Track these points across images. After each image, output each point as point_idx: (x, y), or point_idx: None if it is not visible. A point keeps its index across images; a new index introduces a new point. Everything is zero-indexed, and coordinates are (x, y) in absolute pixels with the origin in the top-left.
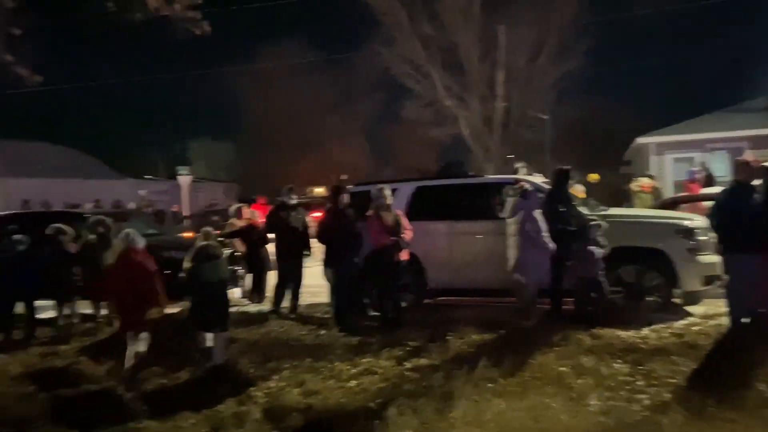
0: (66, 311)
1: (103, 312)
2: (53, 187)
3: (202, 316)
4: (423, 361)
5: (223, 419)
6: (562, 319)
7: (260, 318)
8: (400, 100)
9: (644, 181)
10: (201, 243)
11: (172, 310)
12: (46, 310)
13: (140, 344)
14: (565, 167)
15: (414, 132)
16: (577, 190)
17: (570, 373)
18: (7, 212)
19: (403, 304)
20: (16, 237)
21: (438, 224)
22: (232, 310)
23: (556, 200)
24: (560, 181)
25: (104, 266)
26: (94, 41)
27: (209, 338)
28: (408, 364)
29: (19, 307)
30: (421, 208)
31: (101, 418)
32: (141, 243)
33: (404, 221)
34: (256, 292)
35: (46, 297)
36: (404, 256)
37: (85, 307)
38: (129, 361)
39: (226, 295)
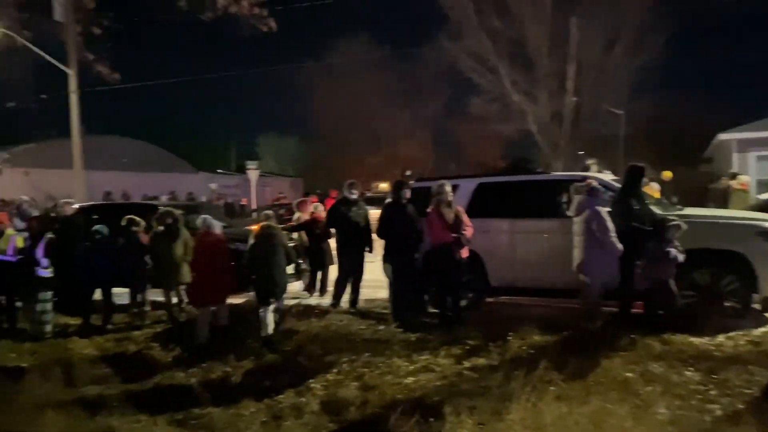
0: (138, 298)
1: (174, 300)
2: (133, 179)
3: (262, 289)
4: (482, 361)
5: (282, 409)
6: (630, 323)
7: (320, 311)
8: (467, 96)
9: (744, 179)
10: (262, 222)
11: (236, 300)
12: (122, 297)
13: (221, 320)
14: (639, 164)
15: (480, 127)
16: (652, 189)
17: (637, 380)
18: (89, 203)
19: (463, 302)
20: (96, 227)
21: (501, 222)
22: (293, 303)
23: (629, 197)
24: (633, 177)
25: (173, 256)
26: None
27: (269, 314)
28: (466, 363)
29: (98, 294)
30: (483, 205)
31: (168, 403)
32: (217, 228)
33: (465, 218)
34: (317, 286)
35: (121, 285)
36: (464, 253)
37: (156, 295)
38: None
39: (283, 270)
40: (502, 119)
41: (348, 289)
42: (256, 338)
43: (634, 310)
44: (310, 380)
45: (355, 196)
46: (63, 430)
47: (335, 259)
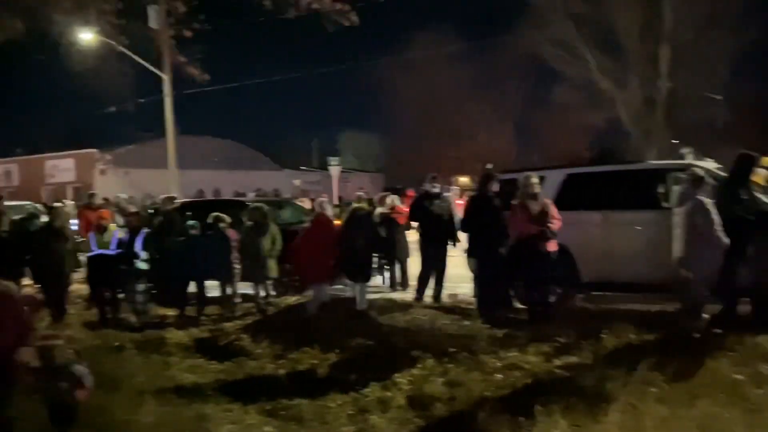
0: (228, 291)
1: (262, 293)
2: (222, 177)
3: (349, 268)
4: (574, 359)
5: (368, 403)
6: (737, 321)
7: (404, 306)
8: (550, 85)
9: None
10: (353, 206)
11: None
12: (215, 290)
13: (322, 295)
14: (750, 153)
15: (565, 117)
16: (760, 175)
17: (746, 382)
18: (183, 200)
19: (552, 298)
20: (189, 222)
21: (592, 214)
22: (376, 296)
23: (737, 187)
24: (743, 167)
25: (261, 250)
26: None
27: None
28: (557, 361)
29: (192, 286)
30: (572, 196)
31: (258, 392)
32: (329, 210)
33: (553, 210)
34: (400, 280)
35: (213, 278)
36: (552, 246)
37: (246, 288)
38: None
39: (369, 252)
40: (588, 108)
41: (431, 284)
42: (341, 331)
43: (740, 307)
44: (395, 374)
45: (437, 190)
46: (162, 416)
47: (412, 252)
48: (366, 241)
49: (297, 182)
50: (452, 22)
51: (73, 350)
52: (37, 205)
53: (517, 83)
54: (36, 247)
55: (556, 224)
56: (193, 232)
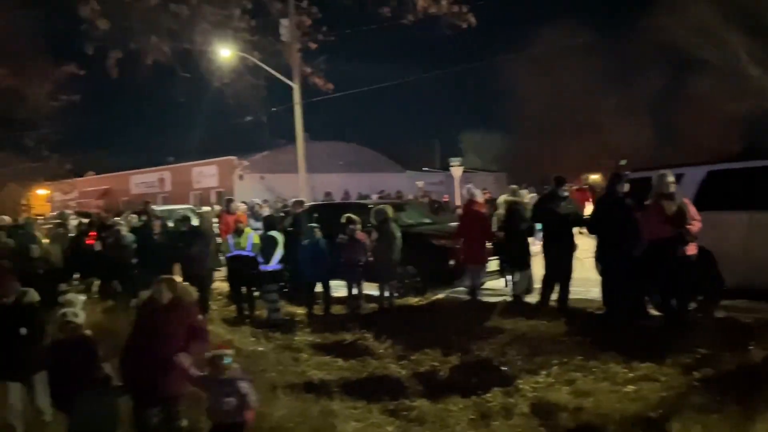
0: (354, 291)
1: (386, 294)
2: (348, 180)
3: (508, 257)
4: (715, 372)
5: (490, 408)
6: None
7: (527, 310)
8: (688, 75)
9: None
10: (508, 198)
11: (440, 295)
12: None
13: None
14: None
15: (705, 109)
16: None
17: None
18: (311, 203)
19: (692, 305)
20: (311, 225)
21: (737, 215)
22: (499, 300)
23: None
24: None
25: (385, 251)
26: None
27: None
28: (697, 374)
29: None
30: (714, 195)
31: (381, 392)
32: (479, 197)
33: (691, 210)
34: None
35: (339, 278)
36: (691, 250)
37: (371, 289)
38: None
39: (526, 242)
40: (734, 98)
41: (557, 288)
42: (462, 334)
43: None
44: (519, 381)
45: (565, 193)
46: (292, 410)
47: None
48: (521, 232)
49: (419, 183)
50: (577, 12)
51: (239, 365)
52: (196, 208)
53: (650, 74)
54: (184, 248)
55: (695, 226)
56: (317, 234)
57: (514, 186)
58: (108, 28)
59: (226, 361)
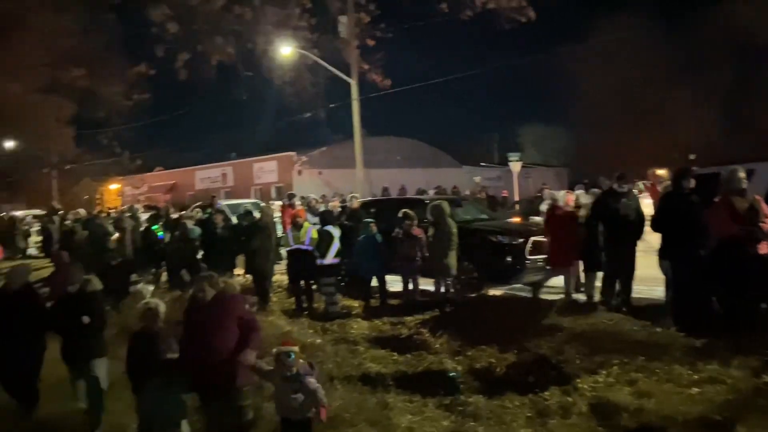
0: (410, 286)
1: (442, 289)
2: (404, 175)
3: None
4: None
5: (548, 407)
6: None
7: (587, 308)
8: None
9: None
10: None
11: (497, 292)
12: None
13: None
14: None
15: None
16: None
17: None
18: (367, 198)
19: (764, 306)
20: (367, 220)
21: None
22: (556, 298)
23: None
24: None
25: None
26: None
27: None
28: (765, 377)
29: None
30: None
31: (436, 386)
32: (561, 200)
33: (764, 208)
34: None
35: (395, 273)
36: (764, 249)
37: (426, 284)
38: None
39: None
40: None
41: (619, 287)
42: (519, 331)
43: None
44: (577, 380)
45: (625, 189)
46: (349, 401)
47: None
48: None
49: (477, 179)
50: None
51: (308, 361)
52: (261, 203)
53: (722, 64)
54: (246, 241)
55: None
56: (373, 229)
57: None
58: (177, 30)
59: (291, 357)
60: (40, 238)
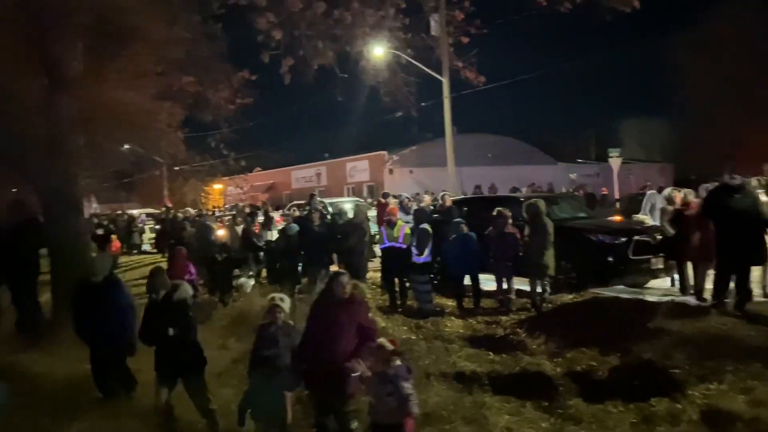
0: (504, 286)
1: (538, 290)
2: (497, 173)
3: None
4: None
5: (654, 413)
6: None
7: (697, 311)
8: None
9: None
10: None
11: (597, 293)
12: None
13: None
14: None
15: None
16: None
17: None
18: (459, 197)
19: None
20: (457, 220)
21: None
22: (665, 299)
23: None
24: None
25: (537, 245)
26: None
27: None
28: None
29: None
30: None
31: (534, 388)
32: (677, 197)
33: None
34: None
35: (488, 272)
36: None
37: (522, 284)
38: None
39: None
40: None
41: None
42: (623, 334)
43: None
44: (686, 386)
45: (737, 182)
46: (445, 398)
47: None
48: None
49: (573, 176)
50: None
51: (406, 364)
52: (360, 201)
53: None
54: (342, 239)
55: None
56: (463, 229)
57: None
58: (281, 37)
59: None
60: (153, 235)
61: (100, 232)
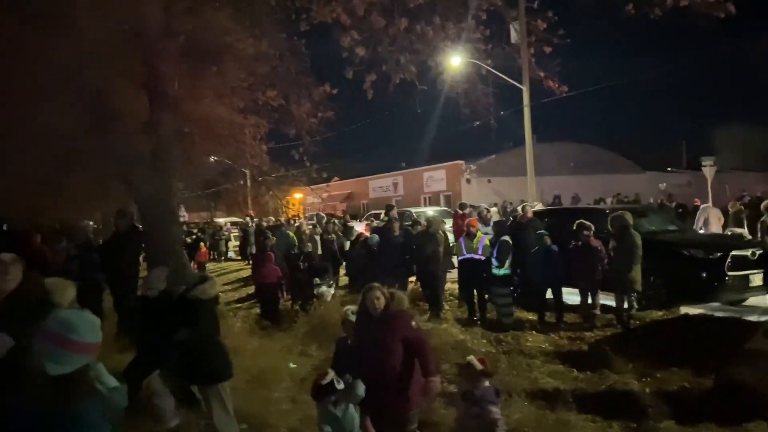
0: (589, 301)
1: (625, 305)
2: (578, 182)
3: None
4: None
5: None
6: None
7: None
8: None
9: None
10: None
11: (689, 310)
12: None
13: None
14: None
15: None
16: None
17: None
18: (541, 208)
19: None
20: (540, 232)
21: None
22: (765, 318)
23: None
24: None
25: (622, 260)
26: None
27: None
28: None
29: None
30: None
31: (621, 408)
32: None
33: None
34: None
35: (572, 285)
36: None
37: (607, 299)
38: None
39: None
40: None
41: None
42: (717, 354)
43: None
44: None
45: None
46: (527, 415)
47: None
48: None
49: (662, 185)
50: None
51: (494, 386)
52: (450, 210)
53: None
54: (419, 249)
55: None
56: (547, 241)
57: None
58: (365, 54)
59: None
60: (237, 243)
61: (189, 240)
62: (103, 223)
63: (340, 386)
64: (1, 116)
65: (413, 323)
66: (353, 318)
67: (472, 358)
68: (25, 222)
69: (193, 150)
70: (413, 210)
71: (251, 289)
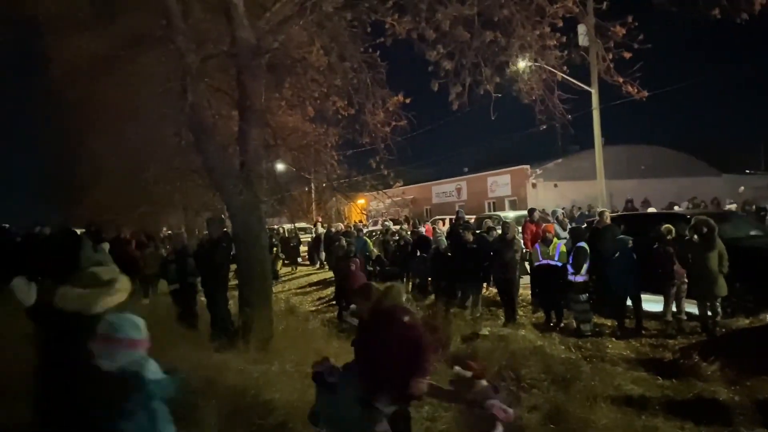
0: (672, 308)
1: (709, 313)
2: (650, 186)
3: None
4: None
5: None
6: None
7: None
8: None
9: None
10: None
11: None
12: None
13: None
14: None
15: None
16: None
17: None
18: (618, 213)
19: None
20: (623, 237)
21: None
22: None
23: None
24: None
25: (708, 267)
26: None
27: None
28: None
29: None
30: None
31: (709, 416)
32: None
33: None
34: None
35: (652, 292)
36: None
37: (690, 306)
38: None
39: None
40: None
41: None
42: None
43: None
44: None
45: None
46: (614, 421)
47: None
48: None
49: (741, 189)
50: None
51: (491, 383)
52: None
53: None
54: (494, 255)
55: None
56: (629, 245)
57: None
58: (451, 67)
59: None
60: (305, 248)
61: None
62: (186, 230)
63: (332, 379)
64: (111, 134)
65: (406, 318)
66: (351, 319)
67: (458, 368)
68: (116, 229)
69: (270, 159)
70: (501, 214)
71: (323, 293)
